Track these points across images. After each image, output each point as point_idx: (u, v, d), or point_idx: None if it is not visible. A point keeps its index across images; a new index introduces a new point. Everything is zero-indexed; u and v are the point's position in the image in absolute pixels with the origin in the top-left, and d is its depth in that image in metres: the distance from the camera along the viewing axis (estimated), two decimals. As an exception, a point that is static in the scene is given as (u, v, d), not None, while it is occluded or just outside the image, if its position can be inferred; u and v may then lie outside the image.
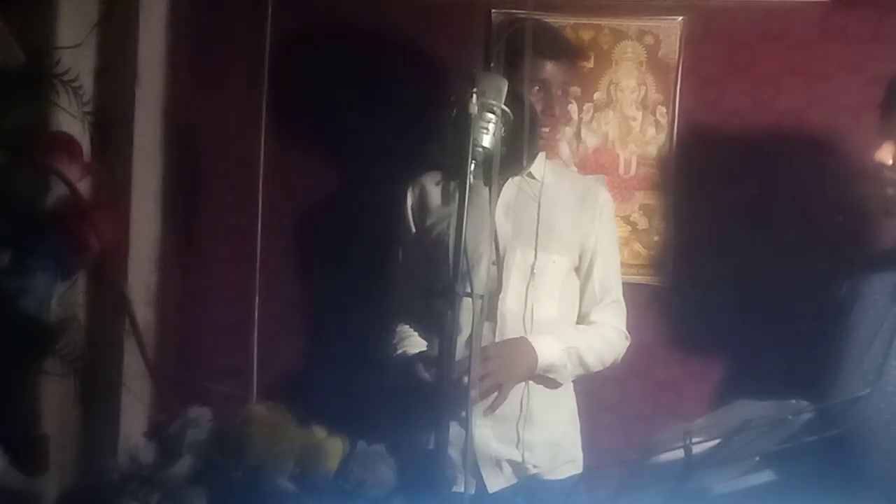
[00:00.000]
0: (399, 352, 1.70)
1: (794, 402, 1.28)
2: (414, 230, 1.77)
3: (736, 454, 1.28)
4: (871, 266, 1.59)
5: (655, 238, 2.03)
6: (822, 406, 1.33)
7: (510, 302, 1.69)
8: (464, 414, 1.43)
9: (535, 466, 1.69)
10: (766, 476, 1.32)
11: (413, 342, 1.71)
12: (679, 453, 1.26)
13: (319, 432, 1.25)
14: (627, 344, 1.76)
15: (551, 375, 1.68)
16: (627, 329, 1.76)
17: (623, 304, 1.77)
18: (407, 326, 1.74)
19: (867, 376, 1.45)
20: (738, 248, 2.00)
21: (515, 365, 1.60)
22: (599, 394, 1.92)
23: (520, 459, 1.67)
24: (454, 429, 1.35)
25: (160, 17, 1.79)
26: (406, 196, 1.78)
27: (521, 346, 1.63)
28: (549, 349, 1.66)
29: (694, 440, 1.25)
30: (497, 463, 1.68)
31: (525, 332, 1.67)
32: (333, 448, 1.23)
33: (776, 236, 2.00)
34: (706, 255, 2.00)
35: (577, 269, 1.76)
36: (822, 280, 1.63)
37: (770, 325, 1.94)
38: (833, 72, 1.98)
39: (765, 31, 2.03)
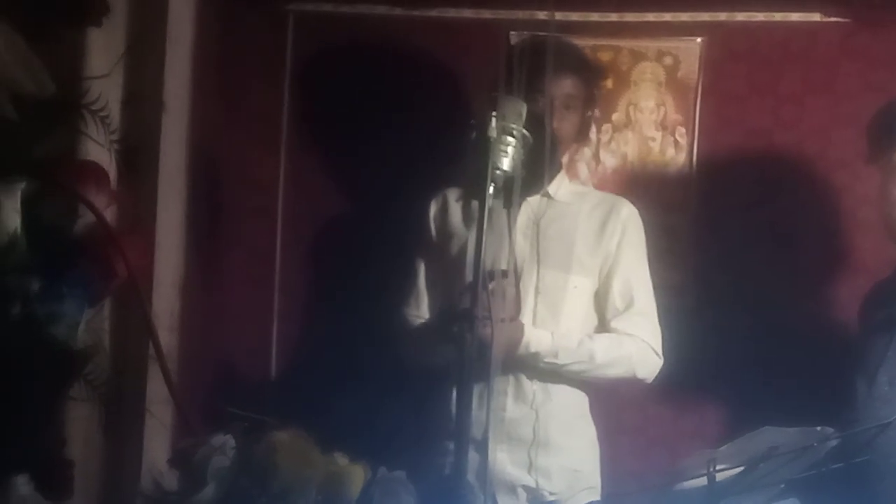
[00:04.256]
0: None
1: (819, 428, 1.27)
2: (435, 240, 1.78)
3: (761, 481, 1.27)
4: (883, 290, 1.58)
5: (675, 260, 2.02)
6: (848, 433, 1.32)
7: (528, 323, 1.68)
8: (481, 437, 1.43)
9: (551, 493, 1.68)
10: (791, 504, 1.30)
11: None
12: (702, 481, 1.25)
13: (341, 459, 1.25)
14: (659, 363, 1.70)
15: (547, 360, 1.64)
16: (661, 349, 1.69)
17: (654, 320, 1.71)
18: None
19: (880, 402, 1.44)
20: (759, 270, 1.98)
21: (503, 330, 1.54)
22: (619, 417, 1.91)
23: (534, 485, 1.66)
24: (471, 453, 1.34)
25: (186, 46, 1.82)
26: (429, 207, 1.79)
27: (511, 324, 1.59)
28: (539, 335, 1.64)
29: (718, 467, 1.24)
30: (512, 489, 1.67)
31: None
32: (355, 475, 1.23)
33: (798, 258, 1.98)
34: (727, 277, 1.99)
35: (598, 291, 1.74)
36: (845, 303, 1.61)
37: (793, 348, 1.92)
38: (856, 92, 1.97)
39: (786, 50, 2.03)
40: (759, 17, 2.03)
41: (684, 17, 2.05)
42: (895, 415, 1.39)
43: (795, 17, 2.02)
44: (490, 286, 1.38)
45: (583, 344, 1.68)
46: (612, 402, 1.78)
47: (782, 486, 1.30)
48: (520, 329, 1.63)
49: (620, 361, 1.69)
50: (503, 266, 1.57)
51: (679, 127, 2.06)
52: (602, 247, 1.73)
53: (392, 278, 1.87)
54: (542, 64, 1.51)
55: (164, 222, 1.78)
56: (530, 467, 1.66)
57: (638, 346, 1.70)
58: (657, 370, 1.72)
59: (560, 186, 1.78)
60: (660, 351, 1.71)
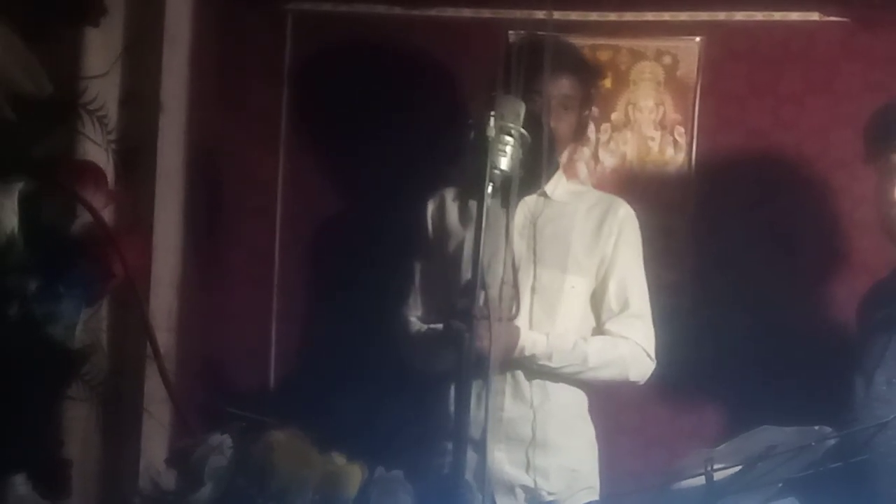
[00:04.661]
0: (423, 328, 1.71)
1: (817, 428, 1.27)
2: (433, 240, 1.78)
3: (759, 481, 1.27)
4: (881, 290, 1.59)
5: (673, 260, 2.02)
6: (846, 432, 1.32)
7: (524, 324, 1.68)
8: (479, 437, 1.43)
9: (550, 493, 1.68)
10: (789, 503, 1.30)
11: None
12: (701, 480, 1.25)
13: (339, 459, 1.25)
14: (652, 366, 1.71)
15: (541, 362, 1.65)
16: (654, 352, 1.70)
17: (648, 322, 1.72)
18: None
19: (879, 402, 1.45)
20: (758, 270, 1.98)
21: (499, 332, 1.54)
22: (618, 417, 1.91)
23: (532, 485, 1.66)
24: (469, 453, 1.34)
25: (184, 46, 1.82)
26: (427, 206, 1.79)
27: (507, 326, 1.60)
28: (534, 338, 1.64)
29: (715, 466, 1.24)
30: (510, 489, 1.67)
31: None
32: (352, 475, 1.23)
33: (797, 259, 1.98)
34: (726, 277, 1.99)
35: (595, 292, 1.74)
36: (844, 303, 1.61)
37: (791, 348, 1.92)
38: (856, 92, 1.97)
39: (786, 50, 2.03)
40: (759, 16, 2.03)
41: (683, 16, 2.05)
42: (893, 414, 1.40)
43: (795, 16, 2.02)
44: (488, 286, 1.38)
45: (577, 346, 1.68)
46: (611, 402, 1.78)
47: (780, 485, 1.30)
48: (515, 332, 1.63)
49: (613, 363, 1.69)
50: (501, 265, 1.58)
51: (678, 126, 2.06)
52: (599, 247, 1.73)
53: (391, 278, 1.87)
54: (539, 63, 1.51)
55: (162, 222, 1.78)
56: (528, 467, 1.66)
57: (631, 348, 1.70)
58: (649, 372, 1.73)
59: (557, 186, 1.78)
60: (652, 354, 1.72)
